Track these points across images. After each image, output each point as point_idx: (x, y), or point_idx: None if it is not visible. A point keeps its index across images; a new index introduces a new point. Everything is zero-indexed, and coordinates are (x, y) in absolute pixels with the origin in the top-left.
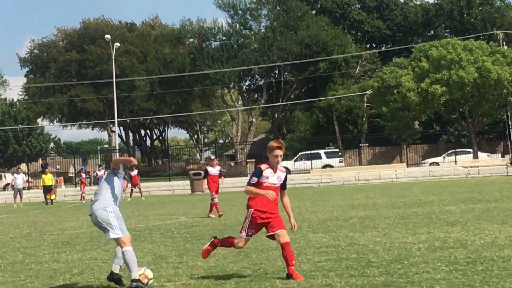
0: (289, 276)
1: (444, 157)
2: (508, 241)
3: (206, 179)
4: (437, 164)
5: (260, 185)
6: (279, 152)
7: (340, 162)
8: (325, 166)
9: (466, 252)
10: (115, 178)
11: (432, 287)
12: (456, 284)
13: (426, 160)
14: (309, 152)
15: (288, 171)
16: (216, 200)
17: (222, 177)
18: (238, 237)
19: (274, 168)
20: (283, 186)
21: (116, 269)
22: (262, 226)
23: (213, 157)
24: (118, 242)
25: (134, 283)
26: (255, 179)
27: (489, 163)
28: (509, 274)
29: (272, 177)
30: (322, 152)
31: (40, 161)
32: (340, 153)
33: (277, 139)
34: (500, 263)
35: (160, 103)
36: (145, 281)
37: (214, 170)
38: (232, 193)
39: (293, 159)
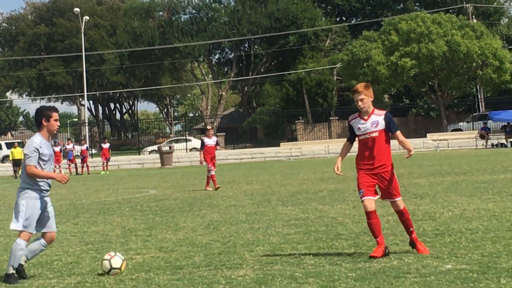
0: (413, 244)
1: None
2: (476, 214)
3: (202, 151)
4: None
5: (359, 139)
6: (358, 97)
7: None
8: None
9: (435, 224)
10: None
11: (401, 259)
12: (424, 256)
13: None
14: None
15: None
16: (212, 173)
17: (219, 146)
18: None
19: (365, 115)
20: (390, 129)
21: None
22: None
23: (209, 127)
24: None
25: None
26: (351, 134)
27: (458, 136)
28: (477, 246)
29: (364, 125)
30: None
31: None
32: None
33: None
34: (468, 235)
35: (130, 76)
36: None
37: (210, 141)
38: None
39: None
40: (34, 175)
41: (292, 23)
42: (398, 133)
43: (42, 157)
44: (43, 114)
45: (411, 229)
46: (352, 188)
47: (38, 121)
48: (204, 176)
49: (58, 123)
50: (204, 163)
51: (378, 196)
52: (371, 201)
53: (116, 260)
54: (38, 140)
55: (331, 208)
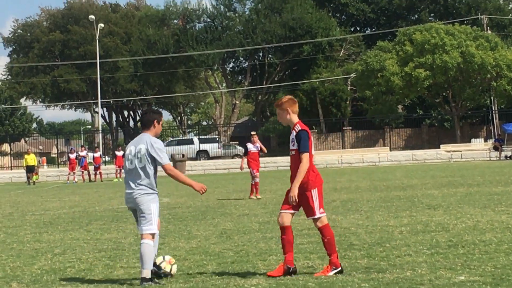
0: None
1: None
2: (489, 225)
3: (245, 157)
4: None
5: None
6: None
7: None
8: (199, 152)
9: (448, 236)
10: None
11: (414, 270)
12: (437, 267)
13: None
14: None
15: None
16: (257, 180)
17: (262, 148)
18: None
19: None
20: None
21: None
22: None
23: (253, 133)
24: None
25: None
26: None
27: (472, 147)
28: (490, 258)
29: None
30: (195, 138)
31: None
32: (218, 139)
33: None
34: (481, 246)
35: (144, 84)
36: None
37: (254, 148)
38: (216, 175)
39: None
40: (175, 175)
41: (306, 32)
42: (303, 156)
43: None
44: (156, 115)
45: (331, 253)
46: (366, 199)
47: (150, 120)
48: (218, 185)
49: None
50: (246, 169)
51: (295, 212)
52: (285, 216)
53: (174, 269)
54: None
55: (344, 218)
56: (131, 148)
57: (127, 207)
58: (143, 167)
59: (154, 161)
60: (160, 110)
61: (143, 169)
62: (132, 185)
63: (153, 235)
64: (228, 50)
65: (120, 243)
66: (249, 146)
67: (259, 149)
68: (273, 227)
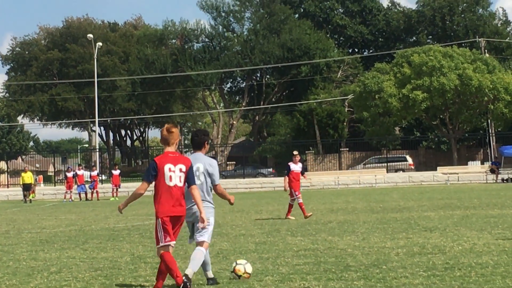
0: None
1: None
2: (486, 248)
3: (287, 177)
4: None
5: None
6: None
7: None
8: None
9: (445, 258)
10: None
11: None
12: None
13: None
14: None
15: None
16: (300, 200)
17: (305, 174)
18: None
19: None
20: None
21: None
22: None
23: (295, 152)
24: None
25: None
26: None
27: (469, 170)
28: (487, 281)
29: None
30: None
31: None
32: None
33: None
34: (478, 269)
35: (141, 103)
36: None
37: (296, 167)
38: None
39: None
40: (222, 193)
41: (304, 53)
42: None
43: None
44: (206, 137)
45: (158, 280)
46: (362, 220)
47: (202, 142)
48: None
49: None
50: (289, 190)
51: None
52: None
53: (249, 267)
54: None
55: (340, 239)
56: None
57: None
58: (201, 184)
59: (210, 179)
60: (157, 129)
61: (201, 186)
62: (191, 201)
63: (207, 244)
64: (226, 70)
65: (116, 262)
66: (292, 165)
67: (302, 168)
68: (269, 248)
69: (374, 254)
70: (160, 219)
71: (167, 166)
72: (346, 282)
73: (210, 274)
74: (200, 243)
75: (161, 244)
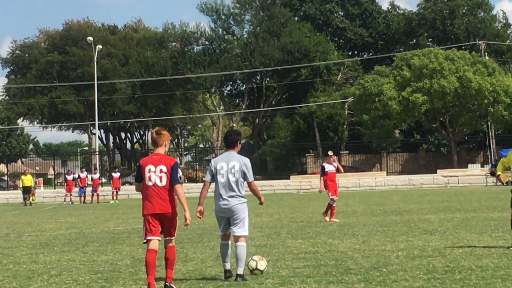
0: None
1: None
2: (486, 251)
3: (323, 177)
4: None
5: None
6: None
7: None
8: None
9: (445, 261)
10: None
11: None
12: None
13: None
14: None
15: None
16: (334, 204)
17: (340, 168)
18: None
19: None
20: None
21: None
22: None
23: (330, 153)
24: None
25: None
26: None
27: (469, 173)
28: (487, 284)
29: None
30: None
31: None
32: None
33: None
34: (478, 272)
35: (141, 106)
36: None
37: (331, 167)
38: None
39: None
40: (255, 190)
41: (304, 56)
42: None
43: None
44: (239, 137)
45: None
46: (362, 223)
47: (235, 141)
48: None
49: None
50: (324, 191)
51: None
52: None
53: (261, 264)
54: None
55: (340, 242)
56: (222, 164)
57: (217, 216)
58: (236, 180)
59: (244, 176)
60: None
61: (236, 183)
62: (226, 196)
63: (245, 237)
64: (226, 73)
65: (116, 265)
66: (327, 166)
67: (338, 168)
68: (269, 251)
69: (374, 257)
70: (143, 217)
71: (147, 167)
72: (346, 285)
73: (228, 266)
74: (240, 238)
75: (143, 241)
